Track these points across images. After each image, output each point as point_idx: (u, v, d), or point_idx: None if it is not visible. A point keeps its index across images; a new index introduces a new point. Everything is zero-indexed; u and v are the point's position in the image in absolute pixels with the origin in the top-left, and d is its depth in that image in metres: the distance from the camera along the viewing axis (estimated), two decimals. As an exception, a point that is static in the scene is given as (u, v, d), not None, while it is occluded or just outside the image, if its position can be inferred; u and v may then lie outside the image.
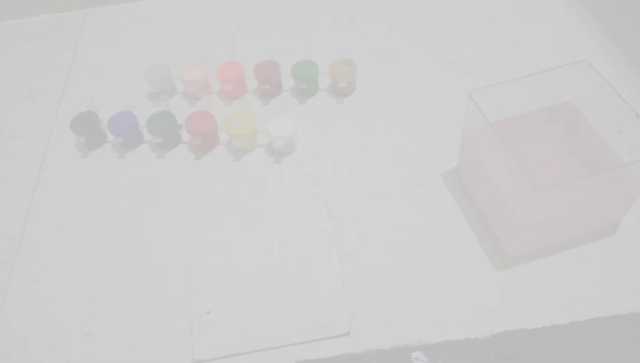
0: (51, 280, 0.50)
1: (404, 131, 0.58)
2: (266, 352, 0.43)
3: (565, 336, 0.42)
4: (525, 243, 0.45)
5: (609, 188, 0.43)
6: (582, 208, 0.44)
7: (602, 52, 0.63)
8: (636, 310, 0.43)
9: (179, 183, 0.56)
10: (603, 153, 0.47)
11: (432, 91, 0.61)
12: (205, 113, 0.57)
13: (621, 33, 0.65)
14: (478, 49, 0.65)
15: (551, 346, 0.42)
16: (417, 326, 0.44)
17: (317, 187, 0.54)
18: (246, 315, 0.45)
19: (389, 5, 0.73)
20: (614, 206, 0.46)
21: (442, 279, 0.46)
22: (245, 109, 0.57)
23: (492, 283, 0.46)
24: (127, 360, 0.44)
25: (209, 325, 0.45)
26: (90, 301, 0.48)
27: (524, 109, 0.49)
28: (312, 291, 0.46)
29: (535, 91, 0.48)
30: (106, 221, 0.53)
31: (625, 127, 0.44)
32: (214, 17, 0.75)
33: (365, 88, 0.63)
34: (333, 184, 0.54)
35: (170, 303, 0.47)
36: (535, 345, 0.42)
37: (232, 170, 0.57)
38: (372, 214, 0.51)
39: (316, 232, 0.50)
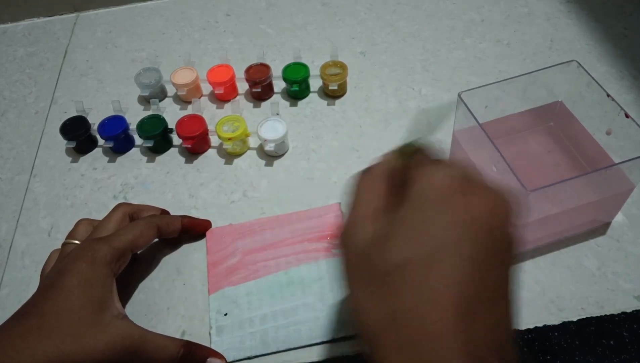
0: (42, 286, 0.49)
1: (396, 133, 0.58)
2: (285, 353, 0.43)
3: (558, 336, 0.42)
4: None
5: (600, 188, 0.43)
6: (573, 208, 0.44)
7: (591, 52, 0.63)
8: (628, 309, 0.43)
9: (170, 187, 0.56)
10: (593, 153, 0.47)
11: (423, 92, 0.61)
12: (195, 116, 0.57)
13: (610, 33, 0.65)
14: (468, 49, 0.66)
15: (543, 346, 0.42)
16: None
17: (311, 189, 0.54)
18: (264, 316, 0.45)
19: (380, 7, 0.73)
20: (605, 206, 0.46)
21: (434, 280, 0.46)
22: (236, 112, 0.57)
23: (484, 284, 0.46)
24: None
25: (227, 327, 0.44)
26: (81, 307, 0.47)
27: (514, 109, 0.50)
28: (330, 291, 0.46)
29: (525, 91, 0.48)
30: (97, 226, 0.53)
31: (615, 127, 0.44)
32: (204, 20, 0.74)
33: (356, 90, 0.63)
34: (325, 186, 0.54)
35: (162, 309, 0.47)
36: (527, 345, 0.42)
37: (223, 173, 0.56)
38: (364, 216, 0.51)
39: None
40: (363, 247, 0.27)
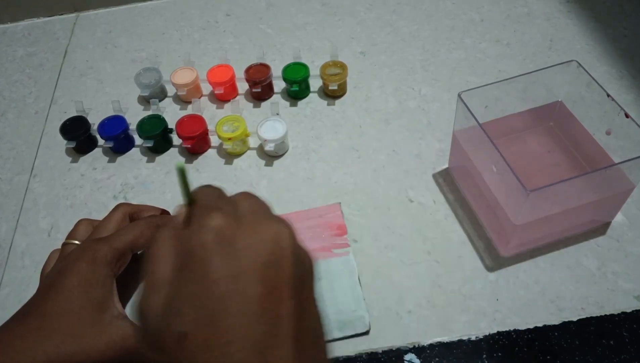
0: (41, 286, 0.49)
1: (396, 133, 0.58)
2: None
3: (558, 336, 0.42)
4: (516, 243, 0.46)
5: (600, 188, 0.43)
6: (573, 208, 0.44)
7: (591, 52, 0.63)
8: (628, 309, 0.43)
9: (170, 187, 0.56)
10: (593, 153, 0.47)
11: (422, 92, 0.61)
12: (195, 116, 0.57)
13: (610, 33, 0.65)
14: (468, 49, 0.66)
15: (543, 346, 0.42)
16: (409, 328, 0.44)
17: (311, 189, 0.54)
18: None
19: (380, 6, 0.73)
20: (605, 206, 0.46)
21: (433, 280, 0.46)
22: (236, 112, 0.57)
23: (484, 283, 0.46)
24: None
25: None
26: (81, 307, 0.47)
27: (514, 109, 0.50)
28: (328, 291, 0.46)
29: (525, 91, 0.48)
30: (97, 226, 0.53)
31: (615, 127, 0.44)
32: (204, 20, 0.74)
33: (356, 90, 0.63)
34: (325, 186, 0.54)
35: (161, 308, 0.47)
36: (527, 345, 0.42)
37: (223, 173, 0.56)
38: (364, 216, 0.51)
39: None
40: (152, 321, 0.26)
